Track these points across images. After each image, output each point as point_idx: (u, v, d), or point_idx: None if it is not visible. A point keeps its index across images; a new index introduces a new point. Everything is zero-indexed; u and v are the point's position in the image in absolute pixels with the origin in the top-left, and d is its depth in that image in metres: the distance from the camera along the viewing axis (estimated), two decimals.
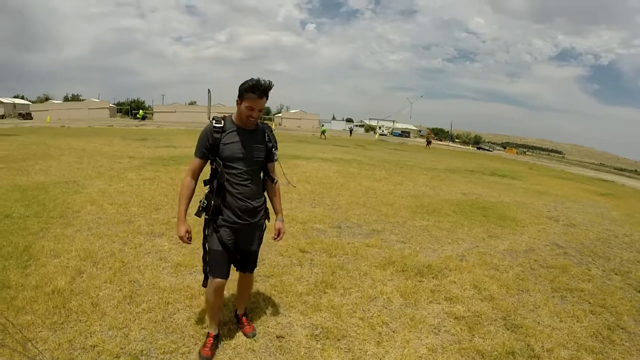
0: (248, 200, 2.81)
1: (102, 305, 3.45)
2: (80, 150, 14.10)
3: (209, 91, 47.40)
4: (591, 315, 4.33)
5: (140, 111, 57.97)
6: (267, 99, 2.70)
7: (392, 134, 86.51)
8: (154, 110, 69.63)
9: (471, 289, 4.59)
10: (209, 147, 2.73)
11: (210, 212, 2.80)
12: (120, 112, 69.72)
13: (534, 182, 19.03)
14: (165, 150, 14.96)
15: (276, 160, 2.96)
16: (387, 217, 7.54)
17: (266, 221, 3.06)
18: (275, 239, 3.12)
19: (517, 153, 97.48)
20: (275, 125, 67.04)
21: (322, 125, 51.09)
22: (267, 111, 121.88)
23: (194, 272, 4.27)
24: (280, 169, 3.16)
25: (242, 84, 2.65)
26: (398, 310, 3.92)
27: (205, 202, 2.82)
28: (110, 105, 70.46)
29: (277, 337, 3.27)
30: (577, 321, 4.14)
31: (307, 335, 3.32)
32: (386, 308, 3.94)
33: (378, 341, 3.34)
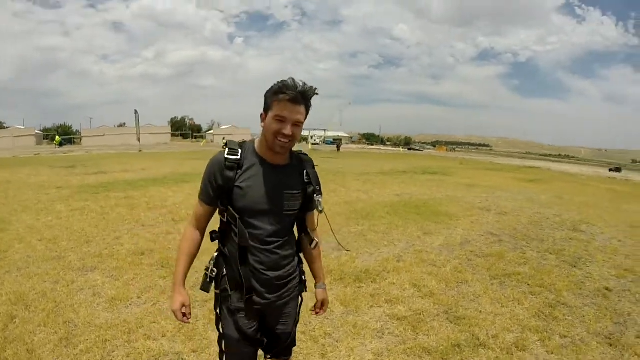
0: (272, 272, 1.97)
1: (38, 352, 3.24)
2: (5, 182, 13.07)
3: (136, 112, 45.71)
4: (531, 296, 4.55)
5: (57, 137, 54.73)
6: (307, 110, 1.89)
7: (325, 142, 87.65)
8: (82, 135, 66.48)
9: (411, 288, 4.68)
10: (218, 189, 1.89)
11: (221, 287, 1.98)
12: (47, 139, 65.59)
13: (465, 176, 19.95)
14: (95, 178, 14.19)
15: (321, 211, 2.03)
16: (321, 226, 7.48)
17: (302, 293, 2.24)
18: (316, 312, 2.29)
19: (447, 150, 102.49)
20: (206, 143, 65.71)
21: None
22: (199, 128, 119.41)
23: (130, 305, 4.11)
24: (322, 222, 2.22)
25: (272, 87, 1.85)
26: (340, 319, 3.90)
27: (215, 270, 1.99)
28: (37, 132, 66.27)
29: None
30: (519, 304, 4.33)
31: None
32: (327, 319, 3.89)
33: (322, 353, 3.31)
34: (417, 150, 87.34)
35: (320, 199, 2.03)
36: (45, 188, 11.47)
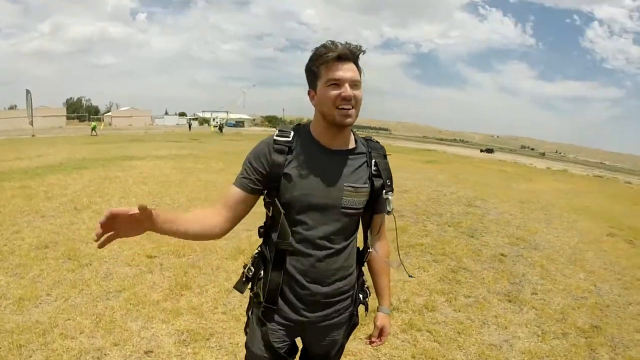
0: (316, 286, 1.58)
1: None
2: None
3: (28, 92, 41.51)
4: (435, 264, 5.03)
5: None
6: (360, 70, 1.53)
7: (227, 124, 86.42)
8: None
9: None
10: (262, 176, 1.53)
11: (262, 290, 1.60)
12: None
13: None
14: None
15: (389, 212, 1.63)
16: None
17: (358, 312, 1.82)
18: (371, 342, 1.84)
19: None
20: (104, 125, 61.47)
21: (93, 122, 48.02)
22: (96, 110, 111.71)
23: (40, 303, 3.81)
24: (386, 229, 1.82)
25: (310, 57, 1.54)
26: None
27: (252, 270, 1.64)
28: None
29: (145, 352, 3.11)
30: (424, 271, 4.78)
31: (175, 343, 3.22)
32: (245, 297, 3.97)
33: None
34: None
35: (390, 198, 1.62)
36: None
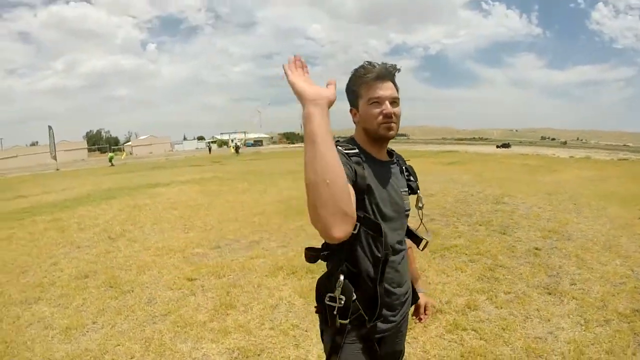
0: (399, 289, 1.66)
1: None
2: None
3: (50, 128, 42.88)
4: (471, 264, 5.02)
5: None
6: (397, 87, 1.61)
7: (246, 144, 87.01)
8: None
9: None
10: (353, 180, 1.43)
11: (353, 314, 1.50)
12: None
13: None
14: (15, 203, 13.13)
15: (421, 207, 1.82)
16: (261, 226, 7.68)
17: None
18: (419, 318, 2.00)
19: None
20: (125, 155, 62.63)
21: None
22: (116, 141, 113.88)
23: (87, 331, 3.89)
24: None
25: (350, 78, 1.64)
26: (302, 310, 4.05)
27: (343, 297, 1.48)
28: None
29: None
30: (462, 272, 4.77)
31: None
32: (290, 312, 4.03)
33: (296, 344, 3.43)
34: None
35: (421, 195, 1.79)
36: None
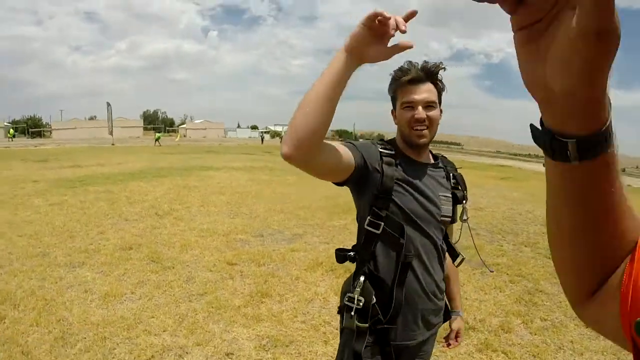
0: (424, 302, 1.60)
1: (34, 353, 3.15)
2: None
3: (108, 104, 44.77)
4: (511, 285, 4.89)
5: (10, 130, 53.01)
6: (438, 87, 1.59)
7: None
8: (52, 128, 65.15)
9: None
10: (365, 172, 1.48)
11: (372, 319, 1.50)
12: (16, 132, 63.39)
13: None
14: (70, 171, 13.86)
15: (465, 220, 1.74)
16: (305, 220, 7.73)
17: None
18: (447, 344, 1.90)
19: None
20: (180, 137, 64.63)
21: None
22: (171, 122, 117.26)
23: (125, 300, 4.08)
24: (460, 234, 1.86)
25: (390, 80, 1.62)
26: (336, 307, 4.03)
27: (362, 299, 1.48)
28: (5, 124, 63.89)
29: (226, 354, 3.25)
30: (500, 291, 4.66)
31: (255, 347, 3.34)
32: (324, 308, 4.09)
33: (325, 340, 3.48)
34: None
35: (467, 207, 1.72)
36: (20, 182, 11.23)
